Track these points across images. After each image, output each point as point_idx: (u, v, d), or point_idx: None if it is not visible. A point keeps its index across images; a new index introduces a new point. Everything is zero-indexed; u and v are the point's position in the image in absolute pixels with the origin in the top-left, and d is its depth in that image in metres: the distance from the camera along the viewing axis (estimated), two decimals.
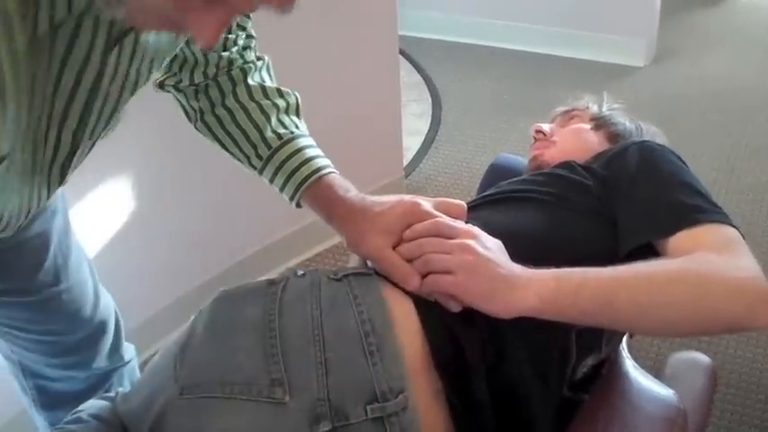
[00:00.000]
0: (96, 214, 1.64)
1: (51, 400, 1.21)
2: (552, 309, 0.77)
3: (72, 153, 0.76)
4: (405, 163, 2.52)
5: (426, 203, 0.87)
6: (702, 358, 1.04)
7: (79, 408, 0.92)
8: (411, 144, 2.72)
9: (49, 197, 0.85)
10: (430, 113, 3.02)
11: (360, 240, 0.88)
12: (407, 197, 0.89)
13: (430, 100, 3.12)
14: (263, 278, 0.88)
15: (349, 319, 0.79)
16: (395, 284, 0.83)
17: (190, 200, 1.84)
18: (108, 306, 1.20)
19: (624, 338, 1.00)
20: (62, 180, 0.81)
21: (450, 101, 3.08)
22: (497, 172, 1.32)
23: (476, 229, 0.83)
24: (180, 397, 0.79)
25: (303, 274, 0.87)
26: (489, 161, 1.41)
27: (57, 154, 0.75)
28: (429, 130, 2.89)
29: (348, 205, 0.90)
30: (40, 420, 1.24)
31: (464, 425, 0.80)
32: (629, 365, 0.97)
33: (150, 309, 1.82)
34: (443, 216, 0.85)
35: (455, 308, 0.79)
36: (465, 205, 0.88)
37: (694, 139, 2.63)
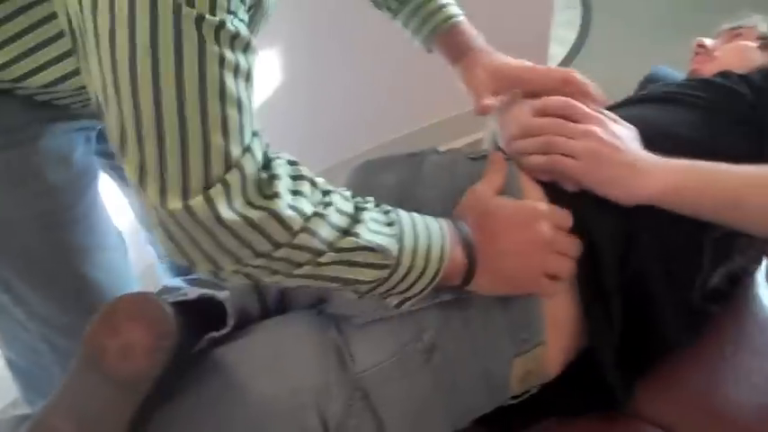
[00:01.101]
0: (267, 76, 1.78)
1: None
2: (675, 199, 0.78)
3: None
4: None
5: (570, 73, 0.91)
6: None
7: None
8: (557, 53, 2.66)
9: None
10: (579, 22, 2.91)
11: (472, 81, 0.95)
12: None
13: (581, 8, 3.00)
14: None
15: None
16: (527, 172, 0.85)
17: (366, 69, 1.94)
18: None
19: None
20: None
21: (603, 11, 2.95)
22: (652, 83, 1.27)
23: (605, 116, 0.84)
24: None
25: (444, 152, 0.91)
26: (636, 78, 1.36)
27: None
28: (576, 40, 2.80)
29: (476, 52, 0.97)
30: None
31: (591, 314, 0.81)
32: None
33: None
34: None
35: (571, 188, 0.81)
36: (597, 93, 0.90)
37: None
